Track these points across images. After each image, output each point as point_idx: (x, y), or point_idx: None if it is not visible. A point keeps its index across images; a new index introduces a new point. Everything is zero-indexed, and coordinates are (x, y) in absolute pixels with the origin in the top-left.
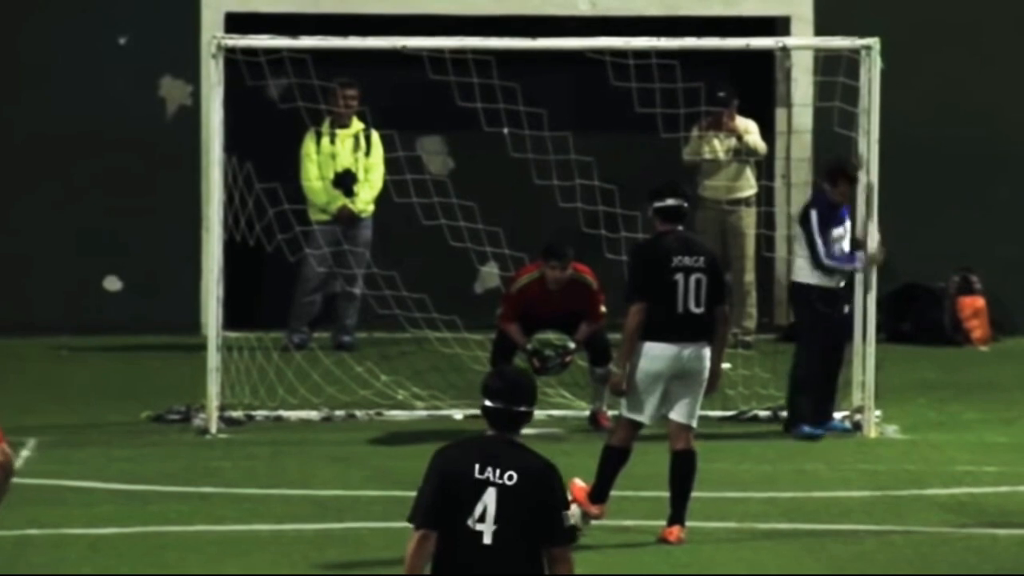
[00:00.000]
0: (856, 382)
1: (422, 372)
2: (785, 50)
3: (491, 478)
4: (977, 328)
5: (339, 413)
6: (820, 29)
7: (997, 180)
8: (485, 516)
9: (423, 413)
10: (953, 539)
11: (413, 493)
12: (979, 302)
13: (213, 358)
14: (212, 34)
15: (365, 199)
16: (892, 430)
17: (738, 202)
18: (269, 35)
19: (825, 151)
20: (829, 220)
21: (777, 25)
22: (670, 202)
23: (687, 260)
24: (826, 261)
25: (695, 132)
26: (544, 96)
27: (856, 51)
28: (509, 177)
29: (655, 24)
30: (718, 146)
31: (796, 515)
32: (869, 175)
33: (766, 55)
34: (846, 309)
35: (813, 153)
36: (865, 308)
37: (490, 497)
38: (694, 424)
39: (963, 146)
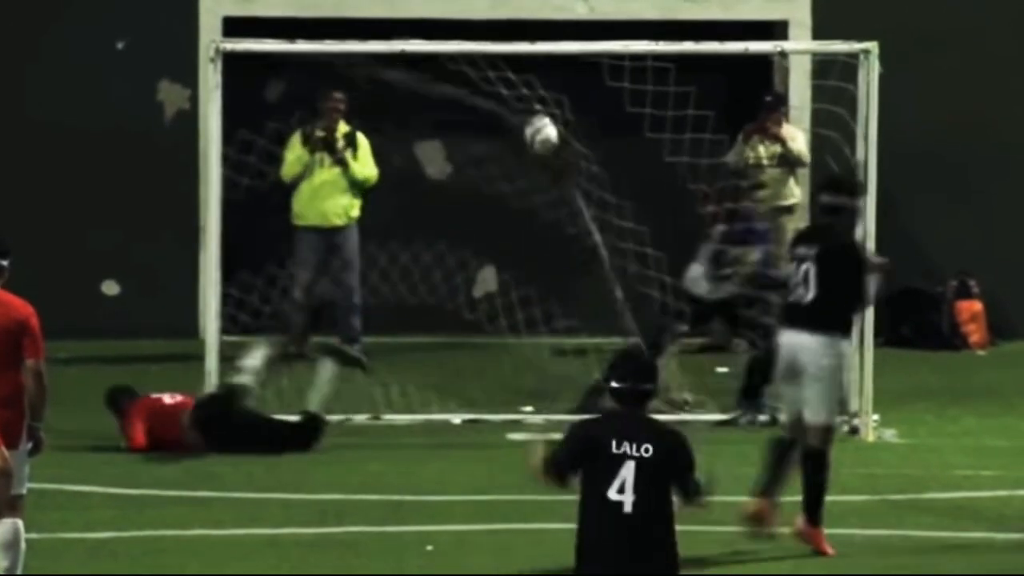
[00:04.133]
0: (854, 387)
1: (421, 376)
2: (783, 54)
3: (628, 452)
4: (975, 332)
5: (338, 417)
6: (818, 33)
7: (996, 184)
8: (624, 488)
9: (421, 417)
10: (951, 544)
11: (411, 498)
12: (977, 306)
13: (211, 362)
14: (210, 38)
15: (346, 206)
16: (890, 434)
17: (780, 210)
18: (267, 39)
19: (822, 156)
20: None
21: (775, 29)
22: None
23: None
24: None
25: (740, 136)
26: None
27: (854, 55)
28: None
29: (655, 28)
30: (762, 152)
31: (793, 519)
32: (867, 181)
33: (764, 59)
34: None
35: (811, 158)
36: (864, 313)
37: (628, 469)
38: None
39: (962, 150)
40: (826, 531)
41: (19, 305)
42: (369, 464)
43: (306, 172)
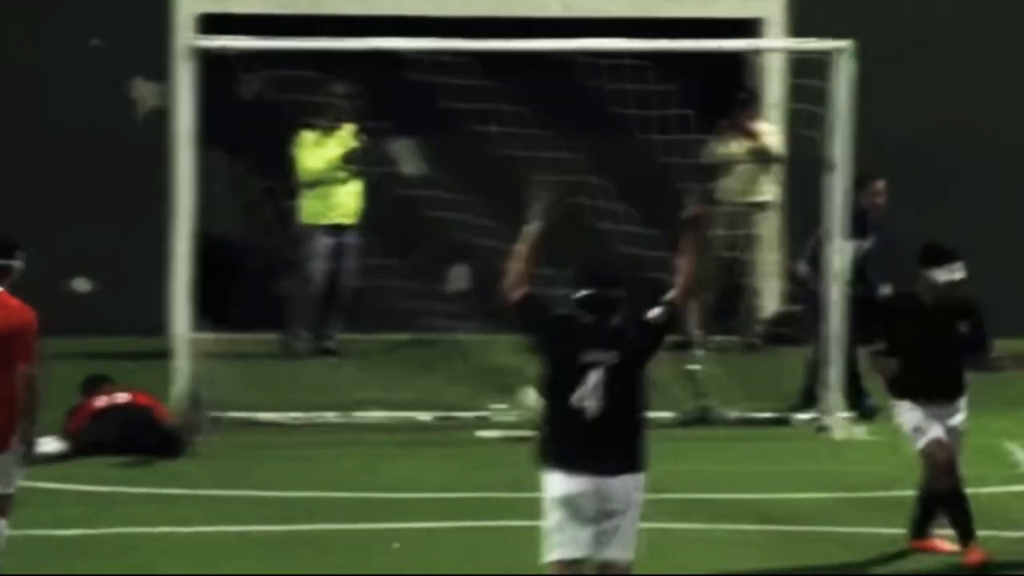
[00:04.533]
0: (824, 384)
1: (392, 374)
2: (759, 52)
3: (597, 359)
4: None
5: (308, 415)
6: (792, 31)
7: (977, 182)
8: (591, 393)
9: (392, 415)
10: None
11: (380, 495)
12: None
13: (182, 360)
14: (185, 35)
15: (351, 207)
16: (860, 432)
17: (754, 206)
18: (243, 36)
19: (796, 154)
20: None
21: (750, 27)
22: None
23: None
24: (800, 269)
25: (713, 135)
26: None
27: (829, 54)
28: (491, 175)
29: (630, 26)
30: (736, 148)
31: (763, 517)
32: (839, 180)
33: (736, 58)
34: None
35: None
36: (834, 311)
37: (595, 376)
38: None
39: (941, 148)
40: (797, 528)
41: (18, 309)
42: (339, 462)
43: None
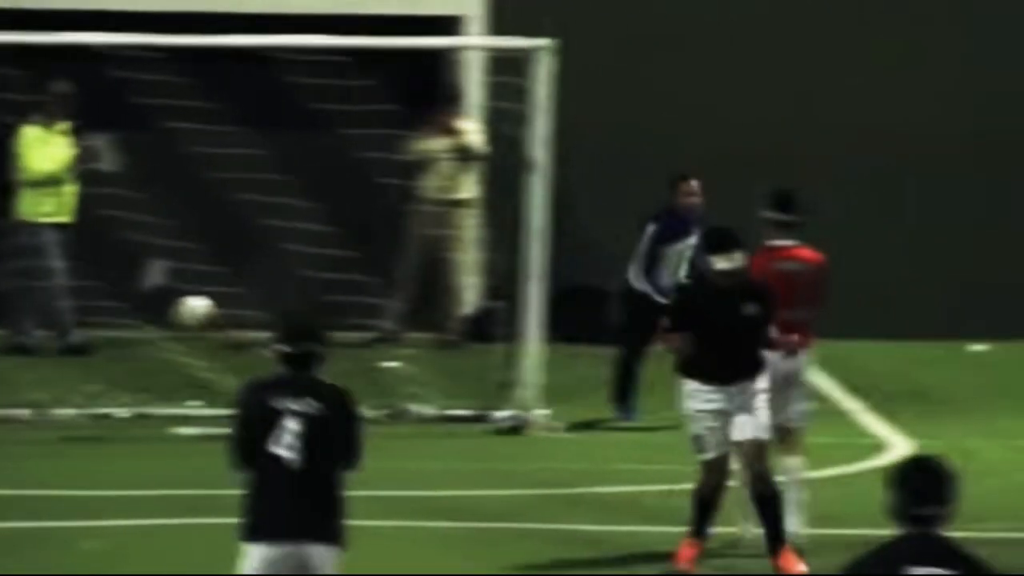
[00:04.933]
0: (522, 381)
1: (89, 371)
2: (459, 50)
3: (295, 408)
4: None
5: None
6: (493, 30)
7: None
8: (289, 444)
9: (87, 411)
10: (617, 537)
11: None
12: None
13: None
14: None
15: (72, 206)
16: (558, 428)
17: (457, 203)
18: None
19: (497, 152)
20: (668, 234)
21: (451, 25)
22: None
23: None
24: (635, 284)
25: (417, 133)
26: (222, 92)
27: (529, 51)
28: (185, 173)
29: (330, 23)
30: (437, 145)
31: (463, 514)
32: (539, 177)
33: (439, 55)
34: None
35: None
36: (533, 308)
37: (293, 425)
38: None
39: (634, 149)
40: (497, 525)
41: None
42: (31, 460)
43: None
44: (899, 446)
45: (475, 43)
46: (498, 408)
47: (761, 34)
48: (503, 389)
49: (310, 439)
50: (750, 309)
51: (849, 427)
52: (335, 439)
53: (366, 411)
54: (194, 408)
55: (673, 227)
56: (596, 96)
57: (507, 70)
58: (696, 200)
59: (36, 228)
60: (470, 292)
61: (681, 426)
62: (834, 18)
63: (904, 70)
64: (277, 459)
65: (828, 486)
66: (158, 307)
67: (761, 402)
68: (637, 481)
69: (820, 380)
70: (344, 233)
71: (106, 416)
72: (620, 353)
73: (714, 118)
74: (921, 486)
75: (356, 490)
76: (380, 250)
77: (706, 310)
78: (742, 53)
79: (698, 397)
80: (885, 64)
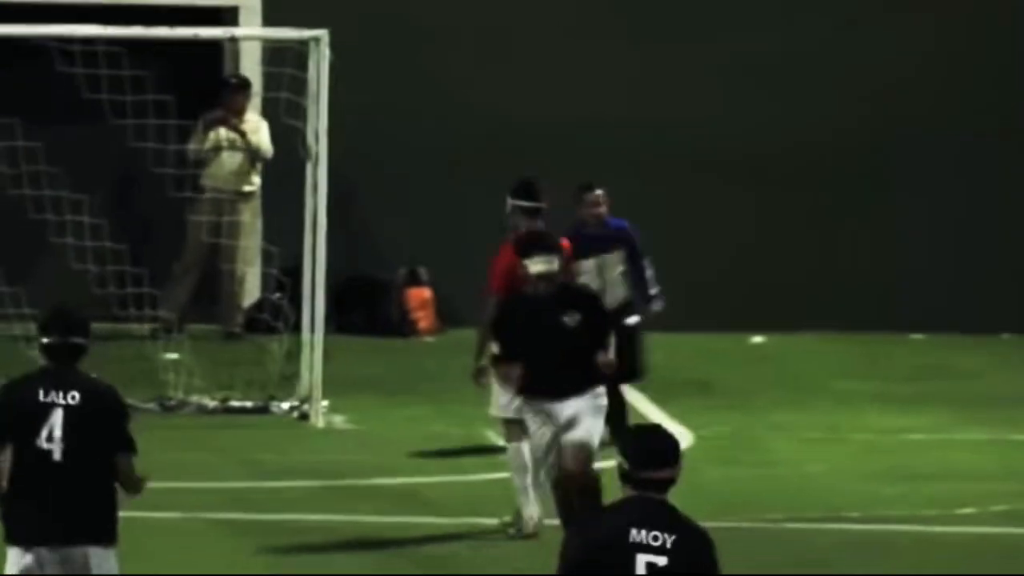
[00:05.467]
0: (304, 372)
1: None
2: (234, 40)
3: (55, 400)
4: (424, 319)
5: None
6: (268, 20)
7: (447, 175)
8: (52, 436)
9: None
10: (396, 527)
11: None
12: (426, 293)
13: None
14: None
15: None
16: (340, 420)
17: (240, 195)
18: None
19: (277, 142)
20: (582, 250)
21: (226, 15)
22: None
23: None
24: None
25: (200, 123)
26: None
27: (305, 42)
28: None
29: (104, 12)
30: (223, 136)
31: (242, 505)
32: (317, 168)
33: (216, 45)
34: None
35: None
36: (313, 299)
37: (56, 417)
38: None
39: (417, 140)
40: (276, 516)
41: None
42: None
43: None
44: (679, 436)
45: (251, 33)
46: (279, 399)
47: (542, 26)
48: (284, 380)
49: (74, 434)
50: (572, 319)
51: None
52: (101, 433)
53: (145, 403)
54: None
55: (585, 241)
56: (373, 86)
57: (283, 61)
58: (601, 210)
59: None
60: (252, 283)
61: (463, 421)
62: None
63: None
64: (42, 456)
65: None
66: None
67: (593, 416)
68: (417, 472)
69: None
70: (120, 225)
71: None
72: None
73: (490, 109)
74: (647, 451)
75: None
76: (158, 241)
77: (526, 320)
78: (519, 45)
79: (527, 409)
80: (661, 59)
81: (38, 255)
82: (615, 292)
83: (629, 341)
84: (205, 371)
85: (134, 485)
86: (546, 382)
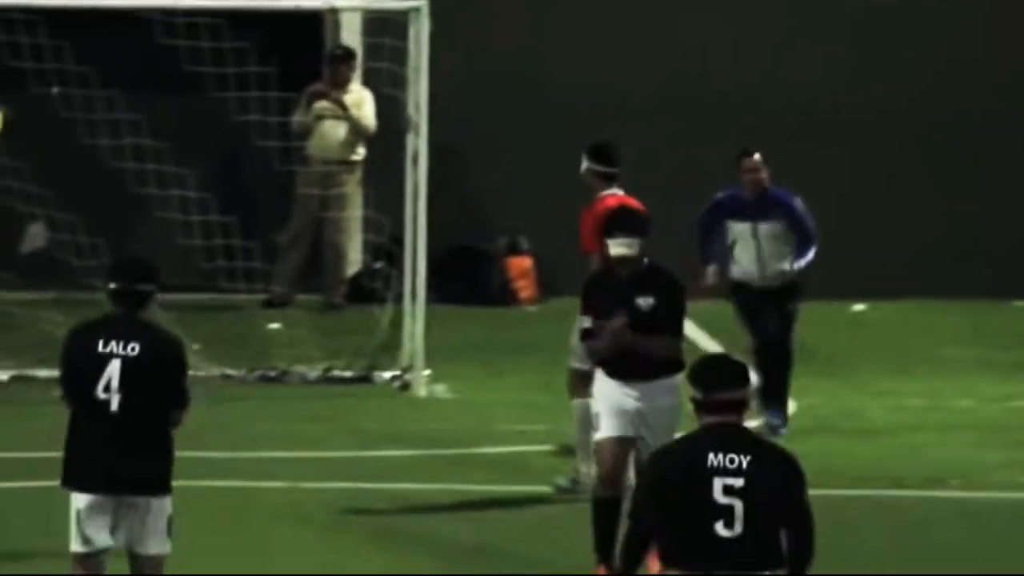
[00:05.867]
0: (406, 342)
1: None
2: (335, 11)
3: (114, 351)
4: (525, 288)
5: None
6: None
7: (547, 144)
8: (110, 386)
9: None
10: (502, 497)
11: None
12: (527, 263)
13: None
14: None
15: None
16: (441, 389)
17: (344, 164)
18: None
19: (380, 112)
20: (722, 212)
21: None
22: None
23: None
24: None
25: (304, 95)
26: (93, 55)
27: (405, 12)
28: (58, 137)
29: None
30: (327, 107)
31: (347, 474)
32: (418, 138)
33: (317, 16)
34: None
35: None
36: (415, 269)
37: (114, 368)
38: None
39: (516, 109)
40: (380, 485)
41: None
42: None
43: None
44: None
45: (352, 4)
46: (381, 369)
47: None
48: (386, 350)
49: (131, 386)
50: (646, 302)
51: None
52: (157, 386)
53: (250, 374)
54: None
55: (727, 205)
56: (474, 56)
57: (384, 31)
58: (759, 176)
59: None
60: (354, 253)
61: (564, 390)
62: None
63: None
64: (99, 406)
65: None
66: (38, 272)
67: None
68: (519, 441)
69: (696, 338)
70: (225, 198)
71: None
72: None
73: (590, 77)
74: (716, 374)
75: (241, 451)
76: (264, 214)
77: (607, 300)
78: (620, 12)
79: (602, 391)
80: None
81: (141, 229)
82: (772, 264)
83: (786, 324)
84: (308, 342)
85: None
86: (619, 363)
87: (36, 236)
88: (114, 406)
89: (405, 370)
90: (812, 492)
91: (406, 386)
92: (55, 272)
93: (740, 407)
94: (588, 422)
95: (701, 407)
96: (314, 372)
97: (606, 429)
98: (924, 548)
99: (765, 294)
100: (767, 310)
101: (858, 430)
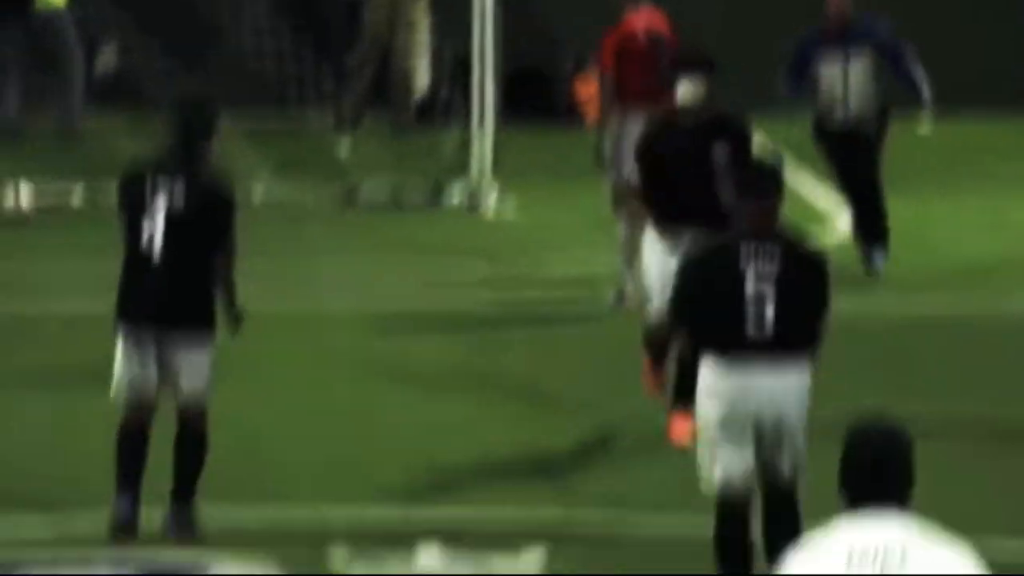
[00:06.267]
0: (473, 163)
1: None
2: None
3: (163, 189)
4: (591, 109)
5: None
6: None
7: None
8: (156, 224)
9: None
10: (567, 316)
11: None
12: (594, 84)
13: None
14: None
15: None
16: (509, 210)
17: None
18: None
19: None
20: (810, 49)
21: None
22: None
23: None
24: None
25: None
26: None
27: None
28: None
29: None
30: None
31: (413, 294)
32: None
33: None
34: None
35: None
36: (483, 91)
37: (161, 206)
38: None
39: None
40: (448, 307)
41: None
42: None
43: None
44: (845, 217)
45: None
46: (451, 191)
47: None
48: (455, 172)
49: (176, 226)
50: (721, 149)
51: (795, 198)
52: (201, 227)
53: (320, 196)
54: None
55: (816, 41)
56: None
57: None
58: (839, 9)
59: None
60: (423, 77)
61: None
62: None
63: None
64: (145, 244)
65: None
66: (109, 95)
67: None
68: (586, 260)
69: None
70: (296, 23)
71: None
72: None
73: None
74: (752, 181)
75: (309, 271)
76: (333, 39)
77: (670, 149)
78: None
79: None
80: None
81: (214, 54)
82: (859, 100)
83: (876, 162)
84: (378, 164)
85: (230, 290)
86: (679, 210)
87: (108, 59)
88: (158, 243)
89: (473, 191)
90: (874, 307)
91: (474, 207)
92: (127, 94)
93: (773, 213)
94: (632, 244)
95: (736, 212)
96: (383, 194)
97: (659, 302)
98: (985, 364)
99: (854, 133)
100: (857, 151)
101: (916, 246)
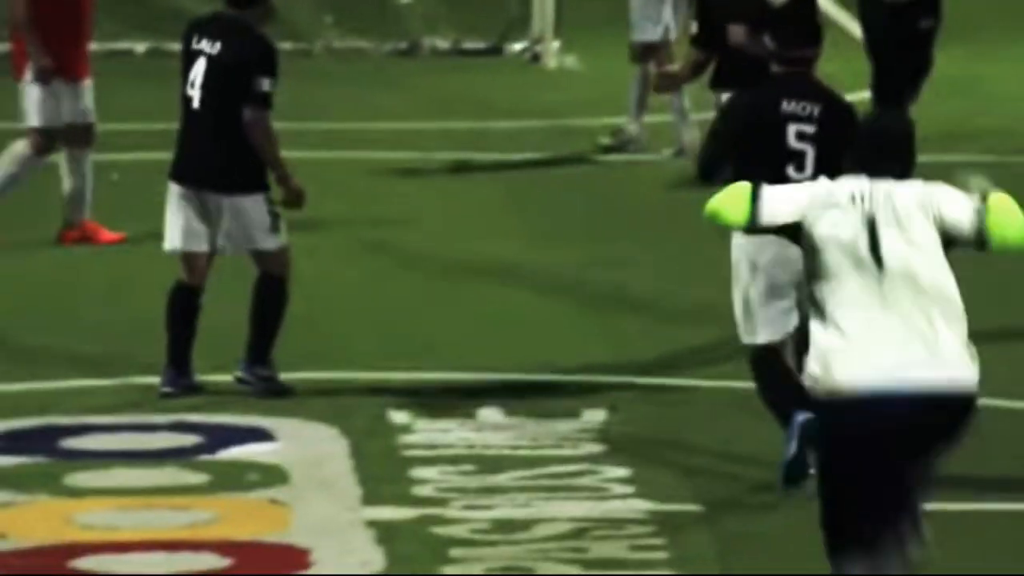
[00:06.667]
0: (536, 13)
1: None
2: None
3: (201, 48)
4: None
5: None
6: None
7: None
8: (194, 83)
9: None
10: (620, 166)
11: None
12: None
13: None
14: None
15: None
16: (571, 61)
17: None
18: None
19: None
20: None
21: None
22: None
23: None
24: None
25: None
26: None
27: None
28: None
29: None
30: None
31: (475, 145)
32: None
33: None
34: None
35: None
36: None
37: (200, 66)
38: None
39: None
40: (508, 156)
41: None
42: None
43: None
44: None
45: None
46: (513, 41)
47: None
48: (518, 22)
49: (211, 83)
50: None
51: (850, 52)
52: (235, 84)
53: (381, 46)
54: None
55: None
56: None
57: None
58: None
59: None
60: None
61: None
62: None
63: None
64: (187, 102)
65: None
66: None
67: None
68: (648, 111)
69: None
70: None
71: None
72: None
73: None
74: (794, 31)
75: (371, 122)
76: None
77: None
78: None
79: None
80: None
81: None
82: None
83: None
84: (439, 14)
85: (270, 150)
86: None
87: None
88: (196, 103)
89: (536, 42)
90: (935, 158)
91: (536, 57)
92: None
93: (811, 62)
94: (646, 81)
95: (775, 59)
96: (445, 44)
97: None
98: None
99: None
100: (900, 36)
101: (982, 94)
